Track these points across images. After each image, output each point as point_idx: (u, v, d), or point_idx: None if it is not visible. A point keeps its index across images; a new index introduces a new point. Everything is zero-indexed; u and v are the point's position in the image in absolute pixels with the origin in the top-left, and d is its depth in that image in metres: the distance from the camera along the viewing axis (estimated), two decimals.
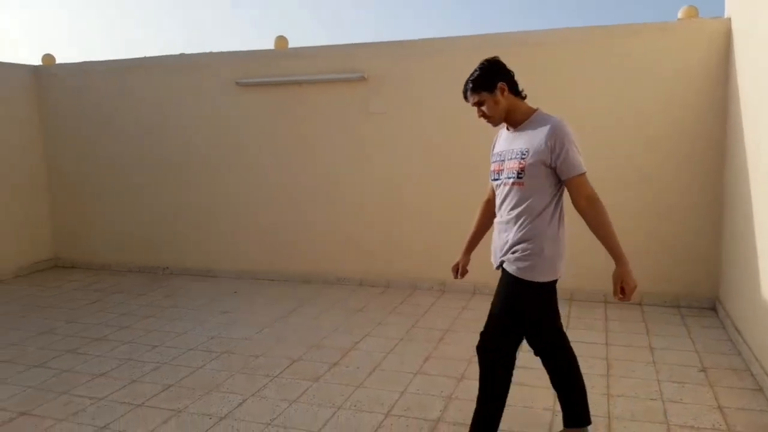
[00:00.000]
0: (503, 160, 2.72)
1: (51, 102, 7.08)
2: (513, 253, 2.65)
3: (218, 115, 6.39)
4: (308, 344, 4.42)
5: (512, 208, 2.66)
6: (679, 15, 5.09)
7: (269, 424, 3.25)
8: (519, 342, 2.83)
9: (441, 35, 5.60)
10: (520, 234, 2.63)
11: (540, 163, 2.56)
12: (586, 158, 2.61)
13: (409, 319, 4.93)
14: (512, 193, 2.66)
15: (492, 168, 2.81)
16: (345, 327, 4.78)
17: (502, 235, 2.75)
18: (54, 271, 7.06)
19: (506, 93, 2.70)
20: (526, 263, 2.61)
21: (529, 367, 3.89)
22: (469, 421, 2.88)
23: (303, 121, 6.07)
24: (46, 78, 7.07)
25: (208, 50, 6.47)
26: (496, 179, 2.76)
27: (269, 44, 6.24)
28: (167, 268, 6.77)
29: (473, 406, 2.83)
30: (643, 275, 5.15)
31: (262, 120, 6.23)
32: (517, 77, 2.79)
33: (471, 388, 3.60)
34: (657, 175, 5.09)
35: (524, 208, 2.62)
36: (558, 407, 3.34)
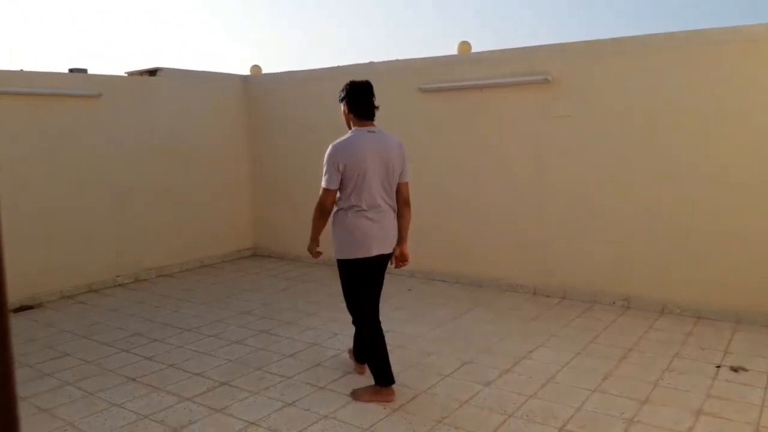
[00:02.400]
0: None
1: (256, 108, 7.89)
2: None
3: (402, 119, 6.63)
4: (480, 348, 4.41)
5: None
6: None
7: (440, 422, 3.31)
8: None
9: (631, 34, 5.27)
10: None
11: None
12: None
13: (588, 334, 4.70)
14: None
15: None
16: (518, 335, 4.70)
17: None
18: (253, 259, 7.86)
19: (345, 110, 3.54)
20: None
21: (752, 385, 3.52)
22: None
23: (484, 125, 6.07)
24: (253, 86, 7.89)
25: (394, 58, 6.77)
26: None
27: (454, 50, 6.36)
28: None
29: None
30: None
31: (443, 124, 6.35)
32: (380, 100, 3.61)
33: (657, 413, 3.36)
34: None
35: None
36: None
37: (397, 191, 3.59)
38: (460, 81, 6.13)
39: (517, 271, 5.98)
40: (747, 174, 4.78)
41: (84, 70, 6.68)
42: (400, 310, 5.41)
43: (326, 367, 4.10)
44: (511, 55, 5.88)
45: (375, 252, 3.49)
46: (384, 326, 4.87)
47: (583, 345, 4.45)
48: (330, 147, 3.45)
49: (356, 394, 3.64)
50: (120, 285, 6.46)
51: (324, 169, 3.42)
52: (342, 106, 3.56)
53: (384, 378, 3.58)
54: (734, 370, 3.94)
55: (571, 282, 5.67)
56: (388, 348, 4.40)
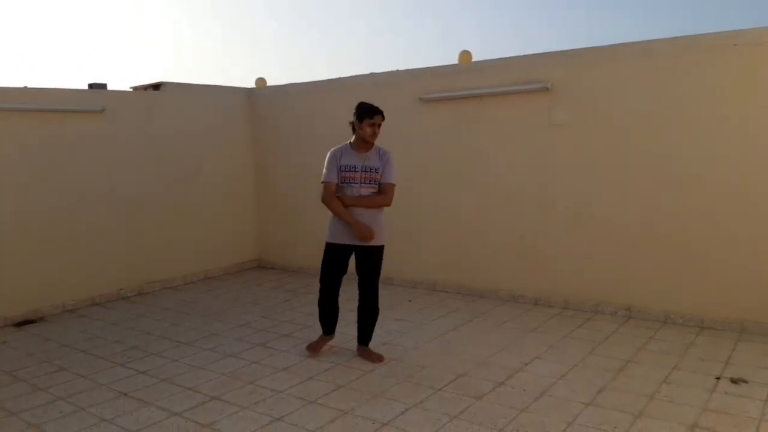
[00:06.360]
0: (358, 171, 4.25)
1: (261, 120, 7.92)
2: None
3: (402, 130, 6.61)
4: (475, 360, 4.36)
5: None
6: None
7: None
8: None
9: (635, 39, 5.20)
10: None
11: None
12: None
13: (586, 345, 4.62)
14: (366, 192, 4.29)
15: (351, 176, 4.23)
16: (515, 346, 4.63)
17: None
18: (256, 270, 7.87)
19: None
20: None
21: (751, 398, 3.42)
22: None
23: (485, 135, 6.03)
24: (258, 99, 7.94)
25: (395, 68, 6.77)
26: (351, 183, 4.23)
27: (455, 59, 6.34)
28: (351, 273, 7.14)
29: None
30: None
31: (444, 134, 6.32)
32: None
33: (651, 427, 3.28)
34: None
35: None
36: None
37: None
38: (461, 90, 6.11)
39: (519, 281, 5.91)
40: (753, 182, 4.68)
41: (104, 85, 6.78)
42: (398, 321, 5.37)
43: (319, 381, 4.07)
44: (510, 64, 5.84)
45: None
46: (381, 338, 4.90)
47: (580, 357, 4.37)
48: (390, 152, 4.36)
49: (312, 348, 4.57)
50: (123, 298, 6.50)
51: (394, 170, 4.32)
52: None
53: (324, 328, 4.65)
54: (734, 382, 3.84)
55: (573, 292, 5.59)
56: (386, 360, 4.40)
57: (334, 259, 4.39)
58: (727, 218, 4.80)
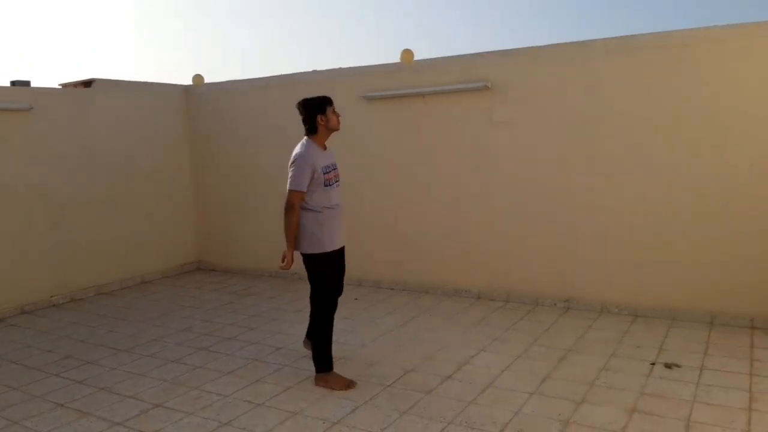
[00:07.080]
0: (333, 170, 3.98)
1: (198, 118, 7.72)
2: None
3: (345, 128, 6.56)
4: (423, 355, 4.40)
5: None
6: None
7: None
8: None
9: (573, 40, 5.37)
10: None
11: None
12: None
13: (529, 336, 4.74)
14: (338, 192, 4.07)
15: (331, 176, 3.92)
16: (461, 340, 4.71)
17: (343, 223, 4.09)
18: (196, 273, 7.67)
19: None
20: None
21: (685, 381, 3.58)
22: None
23: (428, 133, 6.09)
24: (195, 96, 7.73)
25: (337, 66, 6.74)
26: (333, 183, 3.94)
27: (396, 57, 6.36)
28: (296, 273, 7.08)
29: None
30: None
31: (387, 132, 6.34)
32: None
33: (592, 413, 3.40)
34: None
35: None
36: None
37: None
38: (404, 89, 6.14)
39: (462, 275, 6.01)
40: (682, 177, 4.91)
41: (27, 83, 6.42)
42: (346, 319, 5.34)
43: (266, 383, 4.01)
44: (451, 63, 5.92)
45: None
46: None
47: (523, 348, 4.49)
48: None
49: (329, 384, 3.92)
50: (54, 305, 6.19)
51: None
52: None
53: (323, 365, 3.99)
54: (668, 366, 4.03)
55: (515, 285, 5.73)
56: (333, 359, 4.36)
57: (336, 268, 4.04)
58: (659, 212, 5.03)
